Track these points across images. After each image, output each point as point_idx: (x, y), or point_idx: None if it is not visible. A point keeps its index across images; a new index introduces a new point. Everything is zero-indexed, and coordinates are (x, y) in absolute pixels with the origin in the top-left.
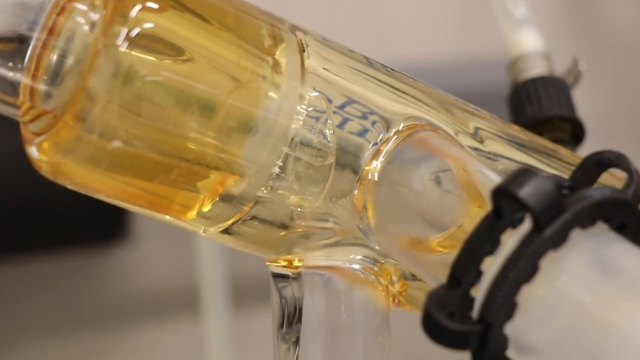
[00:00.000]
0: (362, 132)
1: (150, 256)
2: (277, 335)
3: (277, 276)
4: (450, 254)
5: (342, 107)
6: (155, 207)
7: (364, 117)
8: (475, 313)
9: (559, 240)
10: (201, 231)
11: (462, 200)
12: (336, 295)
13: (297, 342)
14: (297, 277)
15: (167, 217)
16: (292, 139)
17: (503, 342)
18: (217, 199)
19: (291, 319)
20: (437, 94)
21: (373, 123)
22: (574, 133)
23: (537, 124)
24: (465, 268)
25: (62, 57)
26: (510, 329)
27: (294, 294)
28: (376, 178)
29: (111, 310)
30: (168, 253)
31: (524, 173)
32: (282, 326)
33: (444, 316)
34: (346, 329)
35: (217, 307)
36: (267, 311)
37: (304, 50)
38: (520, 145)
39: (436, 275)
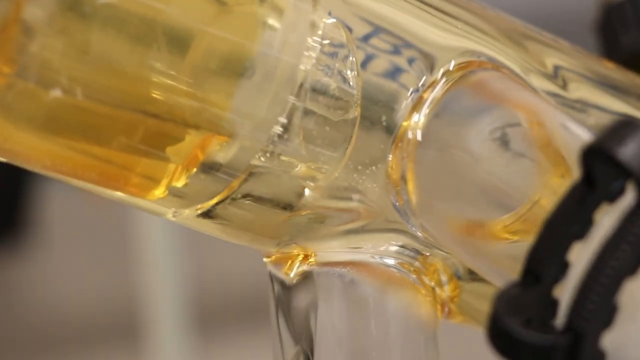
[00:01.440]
0: (396, 74)
1: (61, 263)
2: (282, 355)
3: (279, 278)
4: (524, 242)
5: (367, 38)
6: (108, 181)
7: (396, 51)
8: (560, 319)
9: None
10: (170, 214)
11: (539, 166)
12: (362, 303)
13: None
14: (308, 278)
15: (123, 194)
16: (301, 84)
17: (598, 358)
18: (196, 169)
19: (299, 339)
20: (501, 20)
21: (410, 60)
22: None
23: (637, 59)
24: (545, 259)
25: None
26: (608, 340)
27: (303, 302)
28: (419, 137)
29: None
30: (88, 257)
31: (625, 127)
32: (288, 345)
33: (519, 324)
34: (377, 350)
35: (167, 336)
36: (244, 340)
37: None
38: (616, 89)
39: (504, 272)
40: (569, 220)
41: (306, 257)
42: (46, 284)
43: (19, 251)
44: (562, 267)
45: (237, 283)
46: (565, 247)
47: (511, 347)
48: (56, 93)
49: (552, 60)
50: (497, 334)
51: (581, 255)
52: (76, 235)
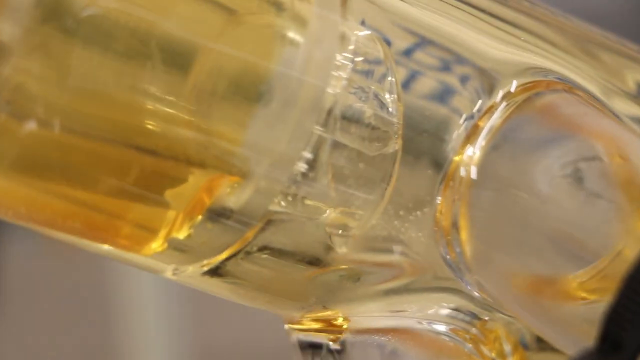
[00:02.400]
0: (446, 96)
1: (25, 329)
2: None
3: (306, 347)
4: (604, 302)
5: (409, 52)
6: (94, 232)
7: (446, 68)
8: None
9: None
10: (169, 272)
11: (621, 208)
12: None
13: None
14: (340, 349)
15: (112, 248)
16: (330, 111)
17: None
18: (202, 216)
19: None
20: (573, 28)
21: (463, 80)
22: None
23: None
24: (627, 322)
25: None
26: None
27: None
28: (473, 175)
29: None
30: (59, 321)
31: None
32: None
33: None
34: None
35: None
36: None
37: None
38: None
39: (581, 339)
40: None
41: (338, 322)
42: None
43: None
44: None
45: (249, 353)
46: None
47: None
48: (31, 126)
49: (634, 75)
50: None
51: None
52: (43, 295)
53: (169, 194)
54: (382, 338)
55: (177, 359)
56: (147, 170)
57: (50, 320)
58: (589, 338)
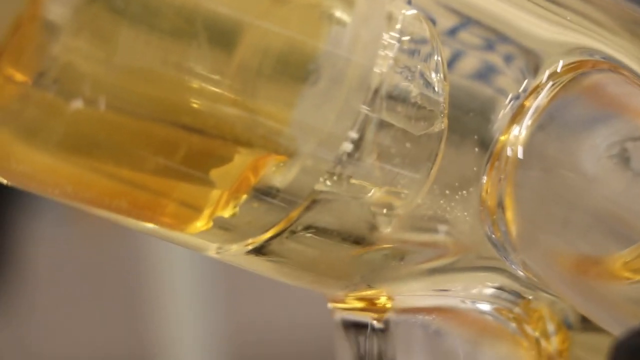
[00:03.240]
0: (491, 76)
1: (52, 316)
2: None
3: (350, 327)
4: None
5: (454, 32)
6: (140, 211)
7: (490, 48)
8: None
9: None
10: (213, 250)
11: None
12: (451, 359)
13: None
14: (384, 328)
15: (157, 226)
16: (376, 91)
17: None
18: (247, 195)
19: None
20: (617, 6)
21: (508, 59)
22: None
23: None
24: None
25: None
26: None
27: (379, 357)
28: (520, 155)
29: None
30: (88, 308)
31: None
32: None
33: None
34: None
35: None
36: None
37: None
38: None
39: (626, 319)
40: None
41: (382, 301)
42: (34, 343)
43: None
44: None
45: (286, 341)
46: None
47: None
48: (78, 104)
49: None
50: None
51: None
52: (71, 280)
53: (214, 173)
54: (426, 317)
55: (210, 338)
56: (193, 149)
57: (79, 302)
58: (634, 317)
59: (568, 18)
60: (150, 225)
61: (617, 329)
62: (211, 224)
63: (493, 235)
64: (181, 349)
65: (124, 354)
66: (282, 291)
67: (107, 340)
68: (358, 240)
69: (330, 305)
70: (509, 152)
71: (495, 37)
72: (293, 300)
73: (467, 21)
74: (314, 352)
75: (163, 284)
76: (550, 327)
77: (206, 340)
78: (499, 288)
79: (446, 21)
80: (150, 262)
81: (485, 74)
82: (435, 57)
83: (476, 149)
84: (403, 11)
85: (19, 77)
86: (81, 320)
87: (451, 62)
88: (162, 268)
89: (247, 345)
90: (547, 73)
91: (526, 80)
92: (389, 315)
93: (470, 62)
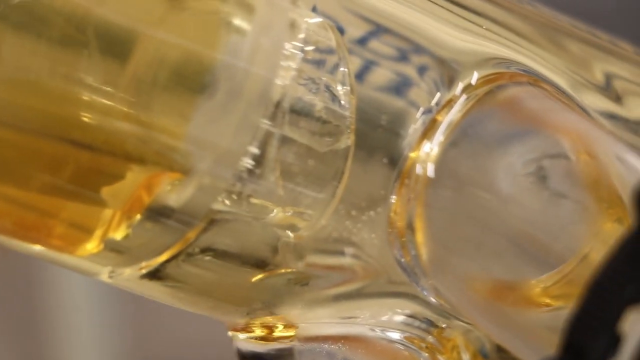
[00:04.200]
0: (402, 88)
1: None
2: None
3: (249, 358)
4: (567, 309)
5: (363, 41)
6: (27, 231)
7: (403, 58)
8: None
9: None
10: (105, 275)
11: (587, 209)
12: None
13: None
14: (287, 357)
15: (44, 248)
16: (278, 104)
17: None
18: (140, 216)
19: None
20: (539, 15)
21: (421, 70)
22: None
23: None
24: (591, 330)
25: None
26: None
27: None
28: (430, 173)
29: None
30: None
31: None
32: None
33: None
34: None
35: None
36: None
37: None
38: None
39: (543, 347)
40: (621, 279)
41: (284, 330)
42: None
43: None
44: (614, 340)
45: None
46: (616, 314)
47: None
48: None
49: (604, 66)
50: None
51: (638, 325)
52: None
53: (105, 192)
54: (332, 346)
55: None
56: (83, 166)
57: None
58: (551, 347)
59: (484, 27)
60: (37, 248)
61: (533, 358)
62: (102, 246)
63: (402, 259)
64: None
65: None
66: (190, 317)
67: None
68: (259, 264)
69: (230, 333)
70: (419, 169)
71: (408, 46)
72: (205, 325)
73: (378, 29)
74: None
75: (62, 306)
76: (465, 356)
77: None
78: (410, 315)
79: (355, 30)
80: (46, 277)
81: (397, 86)
82: (342, 68)
83: (385, 167)
84: (307, 19)
85: None
86: None
87: (361, 74)
88: (62, 281)
89: None
90: (461, 85)
91: (439, 93)
92: (292, 344)
93: (381, 74)
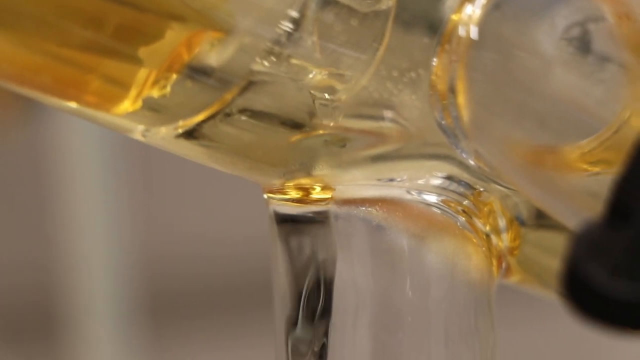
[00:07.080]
0: None
1: None
2: (286, 340)
3: (284, 220)
4: (607, 174)
5: None
6: (65, 87)
7: None
8: None
9: None
10: (138, 133)
11: (629, 72)
12: (394, 254)
13: (322, 351)
14: (323, 220)
15: (79, 105)
16: None
17: None
18: (180, 74)
19: (312, 305)
20: None
21: None
22: None
23: None
24: (636, 193)
25: None
26: None
27: (317, 253)
28: (473, 35)
29: None
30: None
31: None
32: (294, 322)
33: (603, 273)
34: (413, 316)
35: (103, 335)
36: (211, 339)
37: None
38: None
39: (583, 212)
40: None
41: (320, 191)
42: None
43: None
44: None
45: (203, 259)
46: None
47: (593, 302)
48: None
49: None
50: (575, 286)
51: None
52: None
53: (145, 50)
54: (368, 209)
55: (122, 265)
56: (125, 23)
57: None
58: (590, 210)
59: None
60: (74, 105)
61: (573, 221)
62: (140, 104)
63: (443, 122)
64: (90, 268)
65: (28, 273)
66: (204, 202)
67: (10, 260)
68: (297, 125)
69: (265, 195)
70: (461, 32)
71: None
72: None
73: None
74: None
75: (71, 193)
76: (502, 222)
77: (119, 259)
78: (447, 178)
79: None
80: (57, 173)
81: None
82: None
83: (427, 29)
84: None
85: None
86: None
87: None
88: (72, 175)
89: (164, 264)
90: None
91: None
92: (328, 207)
93: None
